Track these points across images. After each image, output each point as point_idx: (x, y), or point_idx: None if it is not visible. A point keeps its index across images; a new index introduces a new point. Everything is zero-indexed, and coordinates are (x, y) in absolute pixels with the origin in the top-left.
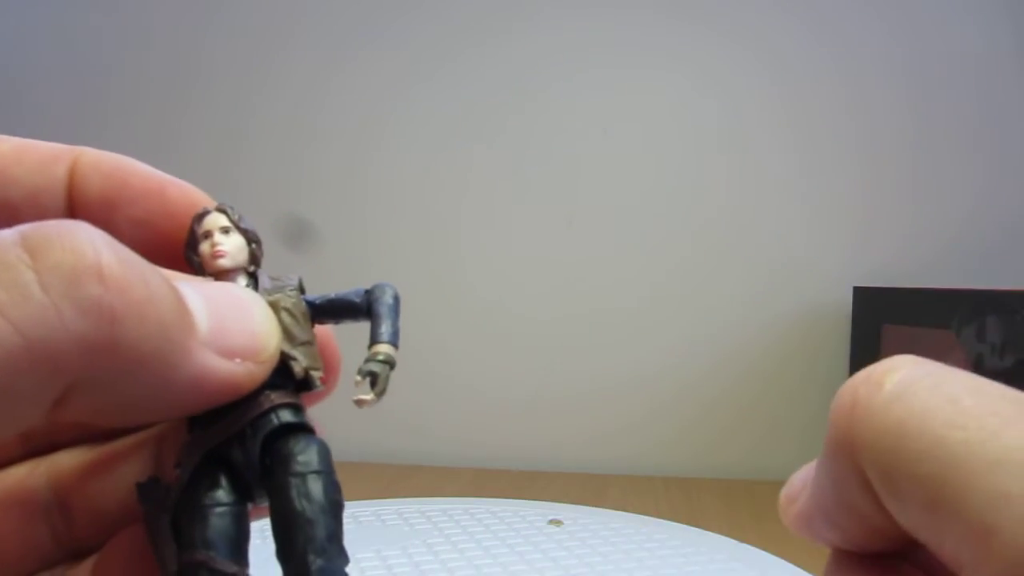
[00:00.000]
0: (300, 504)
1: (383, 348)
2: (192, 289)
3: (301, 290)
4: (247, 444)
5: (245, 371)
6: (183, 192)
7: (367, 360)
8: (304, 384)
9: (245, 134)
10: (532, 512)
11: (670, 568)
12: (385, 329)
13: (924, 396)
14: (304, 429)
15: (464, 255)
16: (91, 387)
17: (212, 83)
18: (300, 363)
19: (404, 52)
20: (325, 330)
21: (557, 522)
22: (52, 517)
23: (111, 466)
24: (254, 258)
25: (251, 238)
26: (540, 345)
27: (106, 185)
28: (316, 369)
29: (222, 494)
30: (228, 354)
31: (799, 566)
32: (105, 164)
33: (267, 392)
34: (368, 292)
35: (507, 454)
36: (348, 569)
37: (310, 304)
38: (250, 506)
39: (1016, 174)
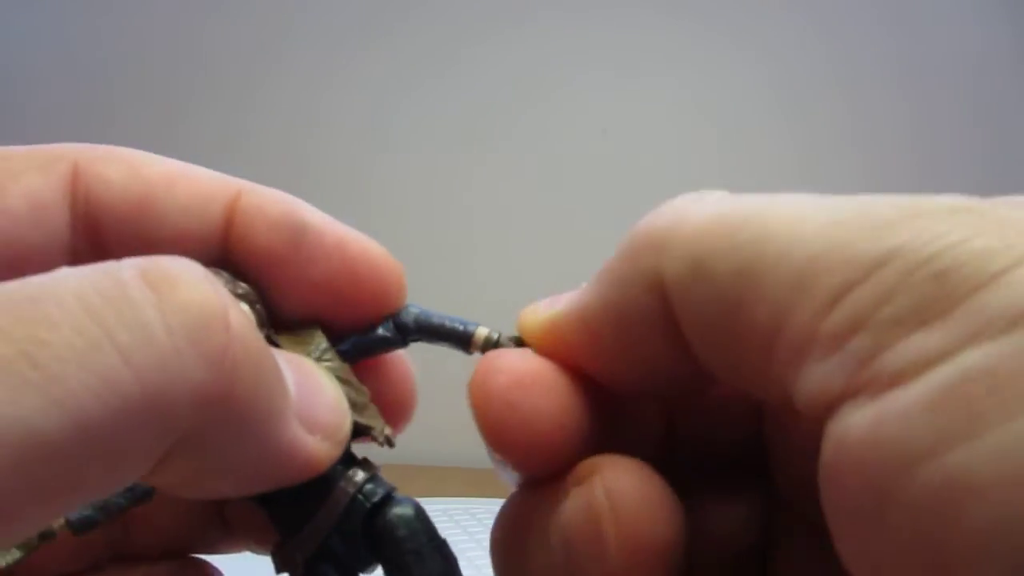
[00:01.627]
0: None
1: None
2: (279, 358)
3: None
4: (347, 534)
5: (325, 449)
6: (364, 250)
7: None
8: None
9: (245, 134)
10: None
11: None
12: None
13: (742, 199)
14: (391, 500)
15: (466, 255)
16: (195, 447)
17: (212, 83)
18: (378, 431)
19: (405, 52)
20: (398, 357)
21: None
22: (110, 525)
23: None
24: (261, 320)
25: (251, 300)
26: None
27: (274, 238)
28: (387, 426)
29: None
30: (312, 429)
31: None
32: (272, 209)
33: (341, 470)
34: (396, 323)
35: None
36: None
37: (345, 355)
38: None
39: (1016, 173)
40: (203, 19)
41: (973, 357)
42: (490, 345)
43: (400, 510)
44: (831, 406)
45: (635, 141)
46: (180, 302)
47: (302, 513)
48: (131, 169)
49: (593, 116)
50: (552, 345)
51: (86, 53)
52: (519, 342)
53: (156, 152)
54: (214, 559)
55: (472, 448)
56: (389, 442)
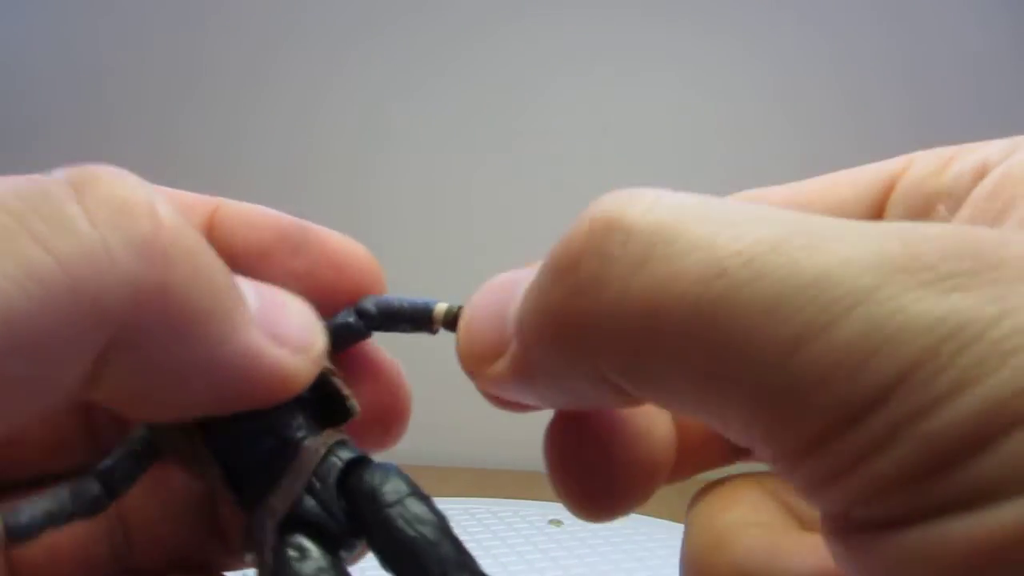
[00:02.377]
0: (414, 530)
1: None
2: (241, 278)
3: None
4: (321, 496)
5: (295, 364)
6: (344, 243)
7: None
8: (339, 414)
9: (245, 134)
10: (532, 512)
11: (670, 568)
12: None
13: (679, 256)
14: (367, 461)
15: (466, 254)
16: (133, 347)
17: (212, 84)
18: (340, 383)
19: (404, 52)
20: (389, 365)
21: (557, 522)
22: (114, 536)
23: (171, 493)
24: None
25: None
26: None
27: (253, 235)
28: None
29: (317, 560)
30: (280, 342)
31: None
32: (251, 212)
33: (307, 436)
34: (358, 309)
35: (507, 454)
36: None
37: None
38: (344, 558)
39: None
40: (203, 19)
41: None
42: (451, 318)
43: (377, 467)
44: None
45: (635, 141)
46: (102, 195)
47: (269, 479)
48: None
49: (593, 116)
50: (501, 401)
51: (85, 55)
52: None
53: (156, 152)
54: None
55: (472, 448)
56: (349, 408)
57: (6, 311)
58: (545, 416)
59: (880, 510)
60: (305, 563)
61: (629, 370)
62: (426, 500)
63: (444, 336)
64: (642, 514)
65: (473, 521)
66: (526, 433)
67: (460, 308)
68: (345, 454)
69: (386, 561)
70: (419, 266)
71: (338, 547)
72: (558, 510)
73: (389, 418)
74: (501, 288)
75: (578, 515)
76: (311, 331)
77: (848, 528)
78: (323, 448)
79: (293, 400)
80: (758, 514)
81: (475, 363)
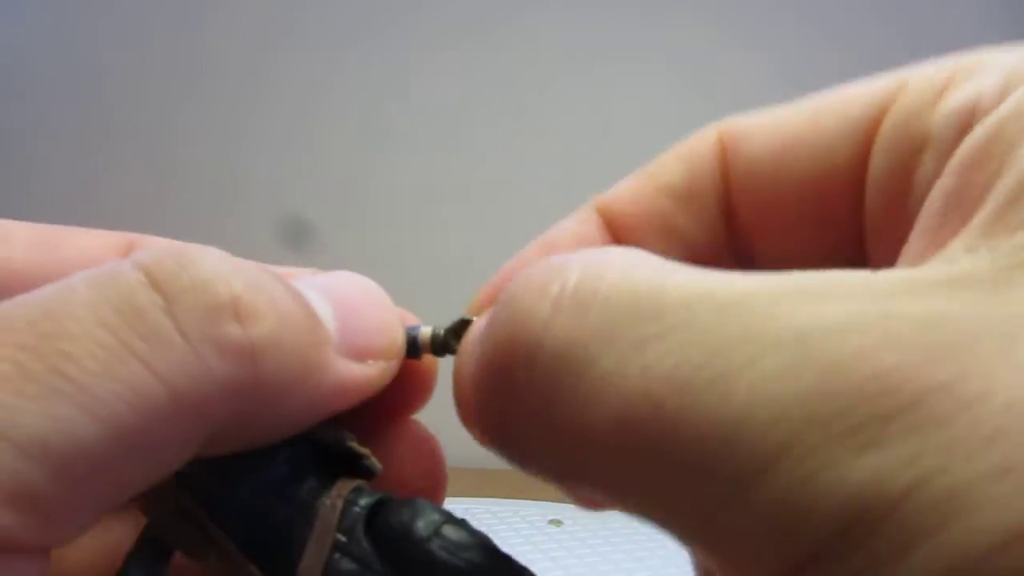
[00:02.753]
0: (459, 558)
1: None
2: (314, 291)
3: None
4: (353, 552)
5: (377, 372)
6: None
7: None
8: (360, 474)
9: (245, 134)
10: (532, 512)
11: (670, 568)
12: None
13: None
14: (387, 502)
15: (465, 254)
16: (238, 426)
17: (212, 83)
18: (357, 446)
19: (404, 52)
20: (425, 433)
21: (557, 522)
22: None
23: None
24: None
25: None
26: None
27: None
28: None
29: None
30: (360, 356)
31: None
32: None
33: (321, 494)
34: None
35: None
36: None
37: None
38: None
39: None
40: (203, 19)
41: None
42: (437, 343)
43: (400, 503)
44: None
45: (635, 141)
46: (187, 304)
47: (292, 546)
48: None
49: (593, 116)
50: None
51: (84, 55)
52: (463, 325)
53: (156, 152)
54: None
55: (472, 448)
56: (370, 467)
57: (119, 426)
58: None
59: None
60: None
61: (567, 485)
62: (461, 524)
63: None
64: None
65: (473, 521)
66: None
67: (451, 326)
68: (364, 500)
69: None
70: (419, 266)
71: None
72: (558, 510)
73: (425, 486)
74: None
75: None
76: (388, 334)
77: None
78: (339, 501)
79: (303, 464)
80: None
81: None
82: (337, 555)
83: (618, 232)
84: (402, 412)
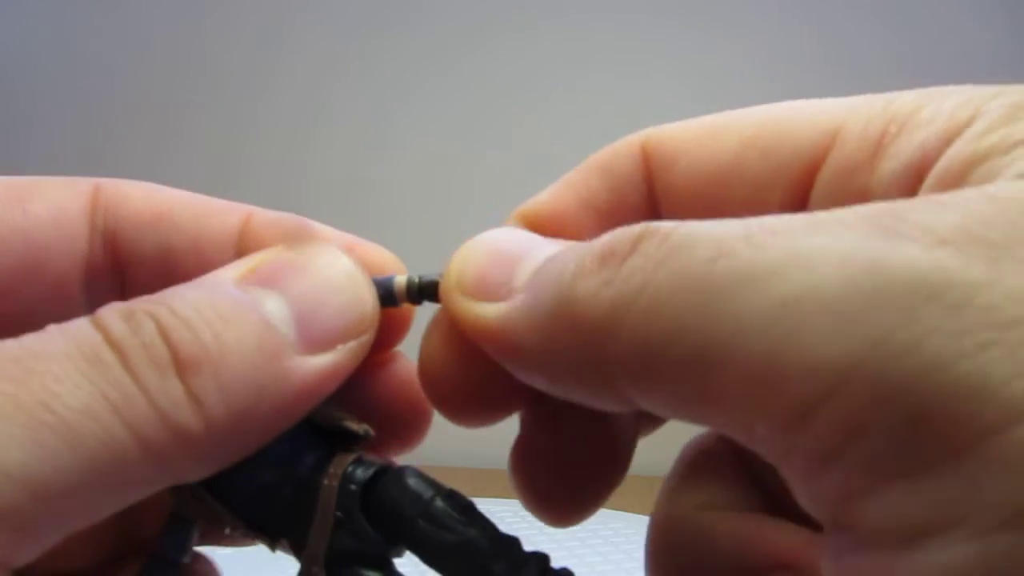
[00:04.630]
0: (444, 536)
1: None
2: (274, 293)
3: None
4: (351, 528)
5: (348, 354)
6: (371, 250)
7: None
8: (353, 437)
9: (245, 134)
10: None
11: None
12: None
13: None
14: (381, 472)
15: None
16: (203, 459)
17: (213, 84)
18: (347, 417)
19: (406, 54)
20: (408, 373)
21: None
22: (124, 516)
23: None
24: None
25: None
26: None
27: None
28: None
29: None
30: (326, 345)
31: None
32: (284, 219)
33: (321, 470)
34: None
35: (507, 454)
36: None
37: None
38: (395, 557)
39: None
40: (204, 19)
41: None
42: (414, 290)
43: (392, 478)
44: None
45: None
46: (140, 361)
47: (297, 521)
48: (149, 189)
49: (596, 117)
50: (490, 350)
51: (86, 53)
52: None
53: (157, 152)
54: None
55: (472, 448)
56: (362, 434)
57: (93, 461)
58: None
59: (877, 512)
60: None
61: (637, 377)
62: (449, 498)
63: None
64: (642, 514)
65: None
66: None
67: (429, 280)
68: (360, 475)
69: (432, 567)
70: (420, 267)
71: (388, 558)
72: None
73: (410, 427)
74: (512, 243)
75: (544, 520)
76: (353, 309)
77: (847, 543)
78: (336, 481)
79: (300, 442)
80: (725, 493)
81: (463, 292)
82: (338, 533)
83: None
84: (382, 349)
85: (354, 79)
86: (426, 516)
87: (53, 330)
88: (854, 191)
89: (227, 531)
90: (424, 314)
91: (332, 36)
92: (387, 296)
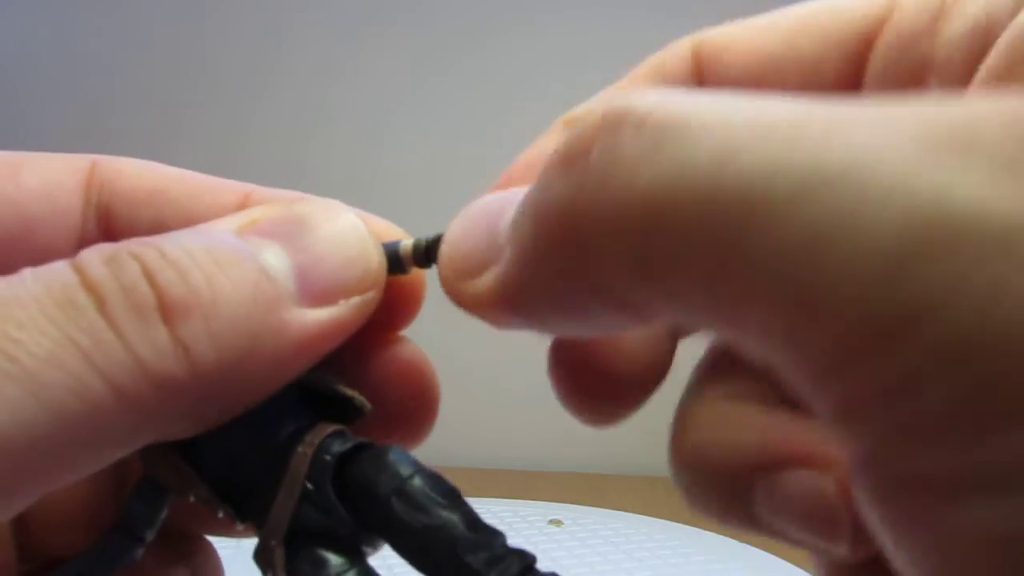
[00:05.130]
0: (417, 519)
1: None
2: (274, 244)
3: None
4: (321, 502)
5: (351, 309)
6: (384, 224)
7: None
8: (350, 412)
9: (245, 134)
10: (532, 512)
11: (670, 568)
12: None
13: (688, 143)
14: (362, 447)
15: None
16: (188, 415)
17: (212, 82)
18: (342, 387)
19: (407, 52)
20: (417, 358)
21: (557, 522)
22: (120, 495)
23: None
24: None
25: None
26: (542, 344)
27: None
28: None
29: (335, 567)
30: (328, 299)
31: (799, 566)
32: (285, 196)
33: (298, 437)
34: None
35: (507, 454)
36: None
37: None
38: (369, 554)
39: None
40: (203, 18)
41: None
42: (420, 252)
43: (371, 455)
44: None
45: None
46: (118, 305)
47: (266, 492)
48: (145, 165)
49: None
50: (494, 320)
51: (86, 54)
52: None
53: (157, 151)
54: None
55: (472, 448)
56: (354, 404)
57: (61, 411)
58: (545, 415)
59: (921, 452)
60: (320, 572)
61: (637, 270)
62: (431, 479)
63: (445, 336)
64: (642, 514)
65: None
66: (526, 433)
67: (434, 237)
68: (337, 447)
69: (407, 558)
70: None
71: (359, 545)
72: (558, 510)
73: (417, 415)
74: (489, 204)
75: (579, 418)
76: (358, 263)
77: (883, 485)
78: (310, 449)
79: (284, 409)
80: (751, 386)
81: (459, 277)
82: (305, 504)
83: None
84: (390, 328)
85: (354, 78)
86: (401, 494)
87: (27, 273)
88: (914, 60)
89: (191, 498)
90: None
91: (332, 35)
92: (394, 261)
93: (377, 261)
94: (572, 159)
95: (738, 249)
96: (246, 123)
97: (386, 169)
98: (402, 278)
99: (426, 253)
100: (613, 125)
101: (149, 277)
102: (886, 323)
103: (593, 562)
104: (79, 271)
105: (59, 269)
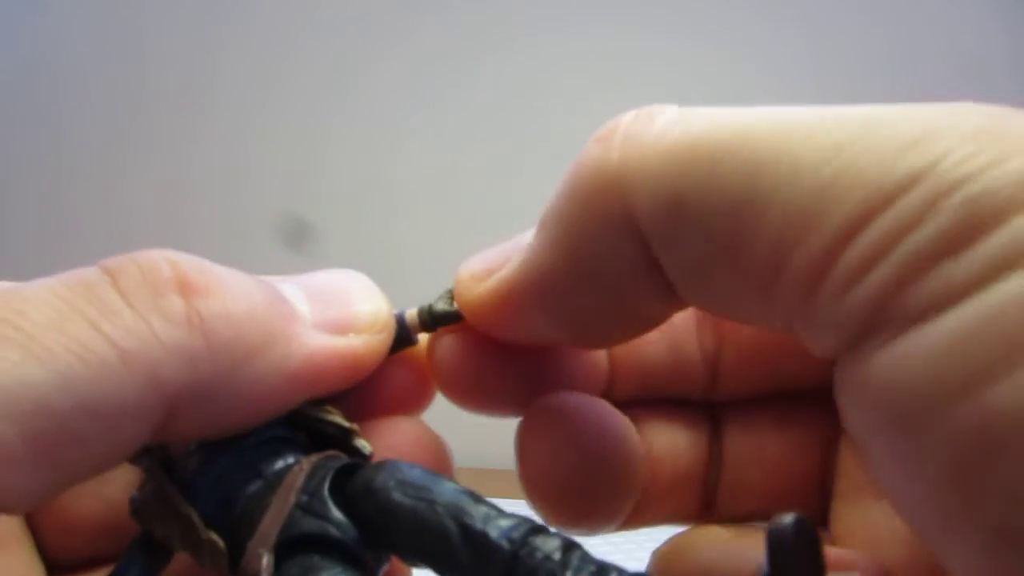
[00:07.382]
0: (421, 496)
1: None
2: (288, 283)
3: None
4: (316, 508)
5: (363, 344)
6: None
7: None
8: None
9: (246, 134)
10: (533, 512)
11: None
12: None
13: (709, 114)
14: (363, 465)
15: (466, 255)
16: (199, 400)
17: (215, 84)
18: (335, 416)
19: (411, 55)
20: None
21: None
22: (36, 540)
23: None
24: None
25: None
26: None
27: None
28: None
29: (328, 570)
30: (339, 329)
31: None
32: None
33: (297, 458)
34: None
35: (507, 454)
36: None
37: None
38: (375, 570)
39: None
40: (211, 20)
41: (1012, 284)
42: (424, 317)
43: (374, 464)
44: (848, 346)
45: None
46: (134, 281)
47: (260, 517)
48: None
49: (602, 122)
50: (501, 317)
51: (90, 56)
52: (453, 316)
53: (159, 151)
54: None
55: (472, 448)
56: (352, 442)
57: (68, 375)
58: None
59: (918, 292)
60: None
61: (674, 205)
62: (431, 473)
63: None
64: None
65: None
66: None
67: (431, 308)
68: (334, 464)
69: (408, 555)
70: (420, 267)
71: (361, 561)
72: None
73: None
74: (504, 246)
75: (550, 520)
76: (371, 302)
77: (878, 343)
78: (307, 466)
79: (283, 445)
80: (720, 531)
81: (473, 278)
82: (298, 513)
83: None
84: (403, 411)
85: (356, 80)
86: (401, 482)
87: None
88: None
89: (176, 538)
90: None
91: (335, 38)
92: (402, 331)
93: (386, 307)
94: (606, 134)
95: (759, 169)
96: (246, 124)
97: (385, 170)
98: (413, 359)
99: (432, 318)
100: (643, 113)
101: (172, 263)
102: (887, 189)
103: None
104: (101, 264)
105: (86, 268)
